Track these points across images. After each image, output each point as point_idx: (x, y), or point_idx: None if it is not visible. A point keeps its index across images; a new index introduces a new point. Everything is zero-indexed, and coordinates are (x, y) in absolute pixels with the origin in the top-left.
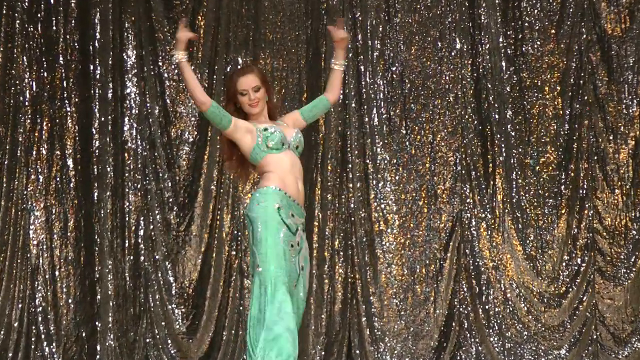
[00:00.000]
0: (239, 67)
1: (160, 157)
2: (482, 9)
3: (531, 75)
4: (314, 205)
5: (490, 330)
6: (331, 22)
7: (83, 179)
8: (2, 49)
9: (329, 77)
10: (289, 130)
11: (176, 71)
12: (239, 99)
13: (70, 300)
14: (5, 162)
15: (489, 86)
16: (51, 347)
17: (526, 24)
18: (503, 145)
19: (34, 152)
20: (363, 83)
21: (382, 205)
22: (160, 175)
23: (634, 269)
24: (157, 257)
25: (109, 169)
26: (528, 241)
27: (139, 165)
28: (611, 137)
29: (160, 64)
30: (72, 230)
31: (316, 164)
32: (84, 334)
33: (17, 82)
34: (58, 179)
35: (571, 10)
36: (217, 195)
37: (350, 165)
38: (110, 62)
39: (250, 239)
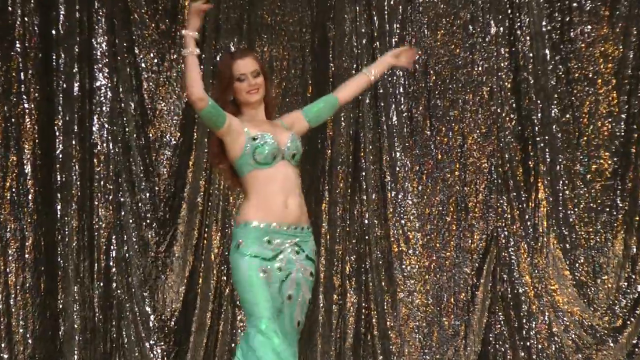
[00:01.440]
0: (232, 50)
1: (136, 163)
2: None
3: (581, 66)
4: (320, 222)
5: None
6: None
7: (44, 190)
8: None
9: (355, 77)
10: (283, 135)
11: (155, 60)
12: (235, 86)
13: (28, 335)
14: None
15: (530, 79)
16: None
17: (574, 4)
18: (547, 150)
19: None
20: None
21: (403, 222)
22: (136, 185)
23: None
24: (132, 283)
25: (74, 177)
26: (577, 264)
27: (111, 173)
28: None
29: (136, 51)
30: (30, 251)
31: (323, 172)
32: None
33: None
34: (14, 189)
35: None
36: (205, 210)
37: (363, 174)
38: (76, 50)
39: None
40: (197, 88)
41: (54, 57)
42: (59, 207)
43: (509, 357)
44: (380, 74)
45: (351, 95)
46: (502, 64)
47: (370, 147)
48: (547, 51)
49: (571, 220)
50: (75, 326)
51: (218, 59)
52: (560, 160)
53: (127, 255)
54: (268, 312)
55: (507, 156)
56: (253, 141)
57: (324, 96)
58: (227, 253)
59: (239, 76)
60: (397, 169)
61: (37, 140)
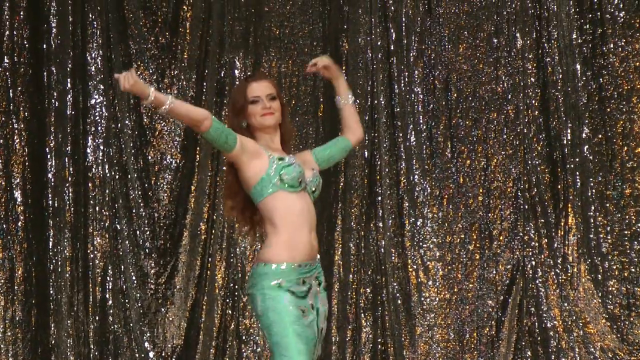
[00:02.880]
0: (247, 74)
1: (134, 187)
2: None
3: (614, 82)
4: (333, 251)
5: None
6: (354, 8)
7: (34, 216)
8: None
9: (341, 116)
10: (306, 168)
11: (154, 77)
12: (248, 110)
13: None
14: None
15: (559, 96)
16: None
17: (607, 16)
18: (577, 173)
19: None
20: (396, 91)
21: (422, 251)
22: (134, 211)
23: None
24: (130, 317)
25: (67, 203)
26: (610, 296)
27: (107, 199)
28: None
29: (134, 66)
30: (21, 282)
31: (336, 198)
32: None
33: None
34: (2, 215)
35: None
36: (208, 238)
37: (379, 199)
38: (69, 66)
39: (256, 317)
40: (193, 115)
41: (45, 73)
42: (50, 235)
43: None
44: (345, 89)
45: (357, 129)
46: (529, 80)
47: (387, 170)
48: (577, 66)
49: (603, 249)
50: None
51: (222, 74)
52: (591, 184)
53: (124, 287)
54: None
55: (534, 180)
56: (280, 160)
57: (335, 139)
58: (241, 289)
59: (253, 99)
60: (416, 193)
61: (27, 163)
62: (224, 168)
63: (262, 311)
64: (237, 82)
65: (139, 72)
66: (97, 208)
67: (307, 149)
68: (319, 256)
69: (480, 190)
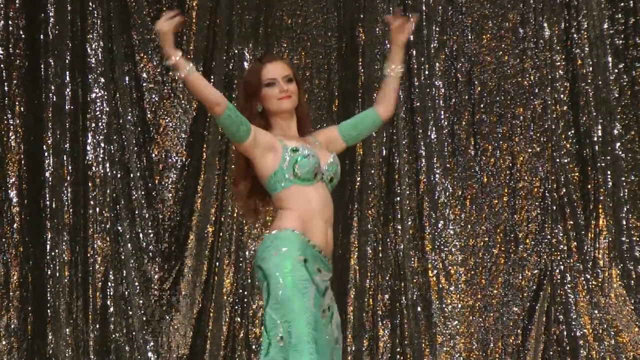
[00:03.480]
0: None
1: (137, 187)
2: None
3: None
4: (349, 255)
5: None
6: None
7: (31, 218)
8: None
9: (382, 86)
10: (323, 154)
11: (158, 69)
12: (263, 94)
13: None
14: None
15: (590, 90)
16: None
17: None
18: (609, 172)
19: None
20: (416, 85)
21: (443, 255)
22: (137, 212)
23: None
24: (132, 325)
25: (66, 203)
26: None
27: (108, 199)
28: None
29: (136, 58)
30: (16, 288)
31: (352, 198)
32: None
33: None
34: None
35: None
36: (215, 241)
37: (398, 199)
38: (68, 58)
39: (266, 301)
40: (207, 93)
41: (42, 65)
42: (48, 238)
43: None
44: (400, 61)
45: (392, 103)
46: (557, 73)
47: (406, 168)
48: (609, 58)
49: (637, 252)
50: None
51: (231, 66)
52: (624, 183)
53: (126, 293)
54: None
55: (562, 179)
56: (293, 153)
57: (364, 112)
58: (250, 296)
59: (269, 81)
60: (437, 194)
61: (22, 161)
62: (232, 158)
63: (276, 290)
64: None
65: (142, 65)
66: (97, 209)
67: (331, 125)
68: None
69: (506, 190)
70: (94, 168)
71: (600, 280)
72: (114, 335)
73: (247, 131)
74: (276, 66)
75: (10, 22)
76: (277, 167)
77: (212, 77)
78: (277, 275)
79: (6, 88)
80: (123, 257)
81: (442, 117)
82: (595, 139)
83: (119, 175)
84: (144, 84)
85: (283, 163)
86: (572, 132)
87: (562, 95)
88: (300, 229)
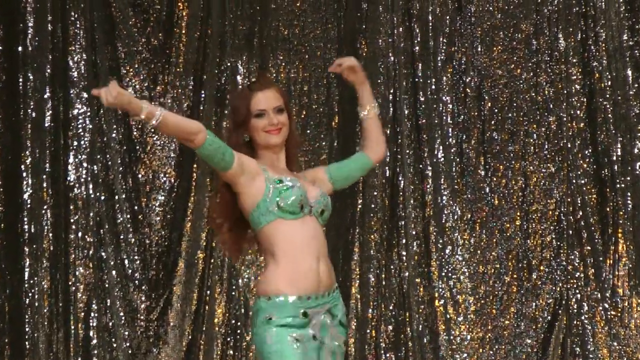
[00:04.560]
0: (250, 80)
1: (123, 210)
2: None
3: None
4: (350, 282)
5: None
6: (373, 5)
7: (8, 243)
8: None
9: (363, 130)
10: (311, 187)
11: (146, 83)
12: (252, 124)
13: None
14: None
15: (608, 106)
16: None
17: None
18: (629, 194)
19: None
20: (422, 100)
21: (451, 283)
22: (122, 237)
23: None
24: (117, 358)
25: (46, 228)
26: None
27: (91, 223)
28: None
29: (122, 72)
30: None
31: (353, 222)
32: None
33: None
34: None
35: None
36: (206, 268)
37: (402, 223)
38: (48, 70)
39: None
40: (184, 126)
41: (20, 79)
42: (27, 265)
43: None
44: (370, 98)
45: (379, 145)
46: (573, 88)
47: (411, 189)
48: (628, 72)
49: None
50: None
51: (223, 80)
52: None
53: (110, 324)
54: None
55: (579, 202)
56: (277, 184)
57: (354, 155)
58: (244, 326)
59: (258, 112)
60: (444, 217)
61: None
62: (212, 193)
63: (259, 351)
64: (240, 88)
65: (128, 79)
66: (79, 234)
67: (320, 165)
68: (336, 286)
69: (518, 214)
70: (75, 190)
71: (619, 310)
72: None
73: (231, 156)
74: (268, 95)
75: None
76: (260, 198)
77: (202, 91)
78: (262, 340)
79: None
80: (107, 285)
81: (450, 135)
82: (614, 158)
83: (102, 198)
84: None
85: (267, 194)
86: (590, 150)
87: (578, 112)
88: (285, 289)
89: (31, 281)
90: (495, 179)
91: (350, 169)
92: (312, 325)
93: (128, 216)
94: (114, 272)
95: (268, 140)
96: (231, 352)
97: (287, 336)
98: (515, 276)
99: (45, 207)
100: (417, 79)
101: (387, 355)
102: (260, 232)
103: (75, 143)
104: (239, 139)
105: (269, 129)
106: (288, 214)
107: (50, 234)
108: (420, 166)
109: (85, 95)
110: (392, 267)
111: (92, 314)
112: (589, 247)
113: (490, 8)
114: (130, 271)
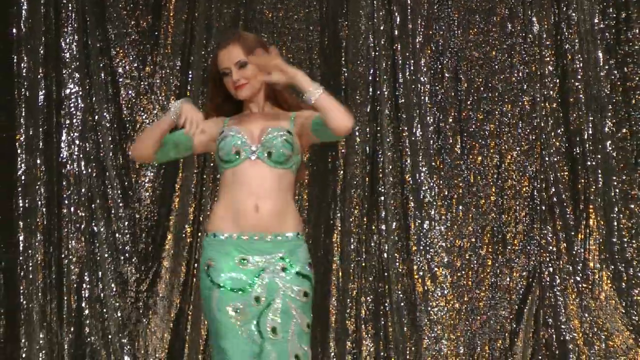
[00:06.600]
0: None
1: (113, 186)
2: None
3: None
4: (331, 256)
5: None
6: None
7: (3, 218)
8: None
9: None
10: (260, 130)
11: (135, 64)
12: (224, 84)
13: None
14: None
15: (580, 86)
16: None
17: None
18: (599, 171)
19: None
20: (401, 81)
21: (429, 256)
22: (113, 212)
23: None
24: (108, 328)
25: (39, 202)
26: (636, 307)
27: (83, 198)
28: None
29: (112, 53)
30: None
31: (334, 197)
32: None
33: None
34: None
35: None
36: (194, 241)
37: (382, 199)
38: (41, 52)
39: None
40: (142, 152)
41: (14, 60)
42: (21, 239)
43: None
44: (307, 85)
45: (336, 121)
46: (546, 69)
47: (390, 167)
48: (599, 54)
49: (628, 254)
50: None
51: (209, 62)
52: (615, 183)
53: (102, 295)
54: None
55: (552, 178)
56: (220, 135)
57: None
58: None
59: (223, 71)
60: (422, 193)
61: None
62: (212, 164)
63: (202, 299)
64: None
65: (117, 60)
66: (72, 209)
67: (309, 112)
68: (298, 235)
69: (493, 190)
70: (68, 166)
71: (590, 282)
72: (89, 339)
73: (185, 140)
74: (229, 52)
75: None
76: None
77: (190, 72)
78: (204, 295)
79: None
80: (98, 258)
81: (428, 114)
82: (586, 137)
83: (94, 174)
84: (120, 80)
85: (216, 149)
86: (562, 129)
87: (551, 92)
88: (225, 227)
89: (25, 254)
90: (471, 156)
91: (321, 128)
92: (257, 286)
93: (118, 192)
94: (105, 246)
95: (238, 95)
96: None
97: (227, 306)
98: (490, 250)
99: (39, 183)
100: (396, 61)
101: (367, 325)
102: (220, 183)
103: (68, 122)
104: (218, 100)
105: (234, 85)
106: (227, 163)
107: (44, 209)
108: (399, 144)
109: (77, 75)
110: (371, 241)
111: (84, 286)
112: (561, 222)
113: None
114: (120, 244)
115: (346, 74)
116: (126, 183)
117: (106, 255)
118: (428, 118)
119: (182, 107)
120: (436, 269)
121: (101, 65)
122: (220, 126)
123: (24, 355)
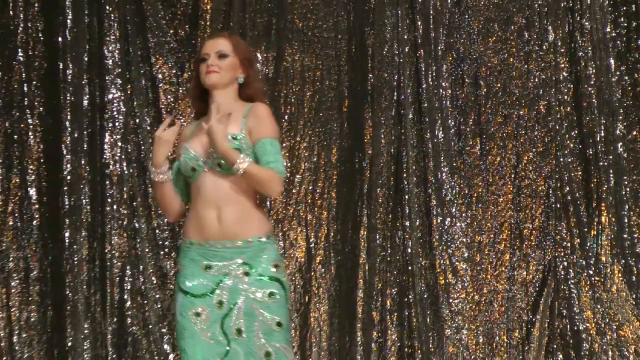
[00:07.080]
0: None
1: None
2: None
3: None
4: (358, 251)
5: None
6: (380, 2)
7: (50, 215)
8: None
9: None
10: (206, 140)
11: (173, 71)
12: (200, 68)
13: None
14: None
15: (593, 91)
16: None
17: None
18: (611, 171)
19: None
20: (424, 87)
21: (450, 251)
22: (153, 209)
23: None
24: (149, 318)
25: (84, 201)
26: None
27: (125, 197)
28: None
29: (152, 60)
30: (36, 283)
31: (361, 196)
32: None
33: None
34: (17, 214)
35: None
36: None
37: (406, 197)
38: (85, 59)
39: None
40: (169, 216)
41: (60, 66)
42: (67, 235)
43: None
44: (233, 156)
45: (267, 191)
46: (561, 75)
47: (414, 167)
48: (611, 60)
49: (638, 249)
50: None
51: None
52: (625, 182)
53: (143, 287)
54: None
55: (566, 178)
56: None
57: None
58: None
59: (202, 56)
60: (444, 192)
61: (42, 160)
62: None
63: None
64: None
65: (157, 67)
66: (114, 206)
67: (258, 123)
68: (261, 238)
69: (510, 189)
70: (111, 167)
71: (602, 275)
72: (131, 329)
73: (176, 171)
74: (216, 41)
75: (29, 25)
76: None
77: None
78: (174, 297)
79: (26, 89)
80: (140, 253)
81: (449, 117)
82: (598, 139)
83: (135, 174)
84: (160, 85)
85: None
86: (576, 132)
87: (565, 97)
88: (193, 235)
89: (71, 249)
90: (490, 157)
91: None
92: (220, 289)
93: None
94: (146, 241)
95: (205, 80)
96: None
97: (189, 311)
98: (507, 245)
99: (83, 182)
100: (419, 67)
101: (392, 316)
102: None
103: (110, 125)
104: (196, 91)
105: (206, 71)
106: (189, 178)
107: (88, 207)
108: (422, 146)
109: (119, 81)
110: (396, 237)
111: (126, 279)
112: (574, 219)
113: (486, 2)
114: (160, 240)
115: (372, 80)
116: None
117: (147, 250)
118: (449, 121)
119: (153, 146)
120: (457, 263)
121: (142, 71)
122: (183, 142)
123: (69, 344)
